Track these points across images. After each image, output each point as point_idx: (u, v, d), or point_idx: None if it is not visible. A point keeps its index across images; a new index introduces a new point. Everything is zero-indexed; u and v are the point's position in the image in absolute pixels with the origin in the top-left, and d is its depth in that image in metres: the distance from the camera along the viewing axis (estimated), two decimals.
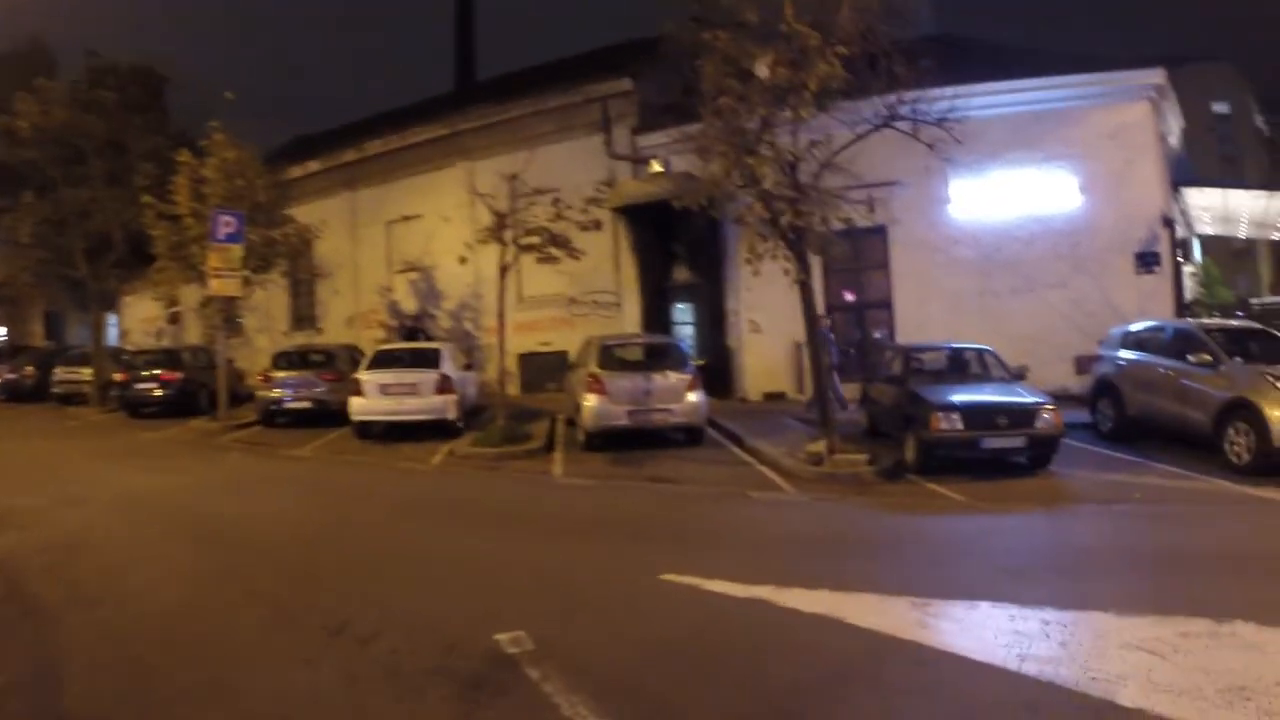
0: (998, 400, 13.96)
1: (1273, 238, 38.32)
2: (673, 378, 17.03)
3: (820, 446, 14.40)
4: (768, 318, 23.96)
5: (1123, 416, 16.51)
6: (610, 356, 17.58)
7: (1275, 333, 15.65)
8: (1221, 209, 30.48)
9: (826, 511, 12.05)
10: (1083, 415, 17.60)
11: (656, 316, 26.66)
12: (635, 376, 16.99)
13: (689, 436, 17.53)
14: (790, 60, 14.31)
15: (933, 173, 21.39)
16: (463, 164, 29.32)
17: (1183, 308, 22.95)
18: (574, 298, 27.43)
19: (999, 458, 13.69)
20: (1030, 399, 13.87)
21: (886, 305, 23.85)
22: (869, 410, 17.53)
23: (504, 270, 18.80)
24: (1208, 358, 14.44)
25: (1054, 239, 22.35)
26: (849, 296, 24.42)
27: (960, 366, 16.65)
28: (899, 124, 15.24)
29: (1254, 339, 15.48)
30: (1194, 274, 31.88)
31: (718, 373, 24.37)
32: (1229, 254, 47.54)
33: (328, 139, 38.77)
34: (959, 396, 13.90)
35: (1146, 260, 21.68)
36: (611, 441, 16.81)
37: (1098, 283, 21.88)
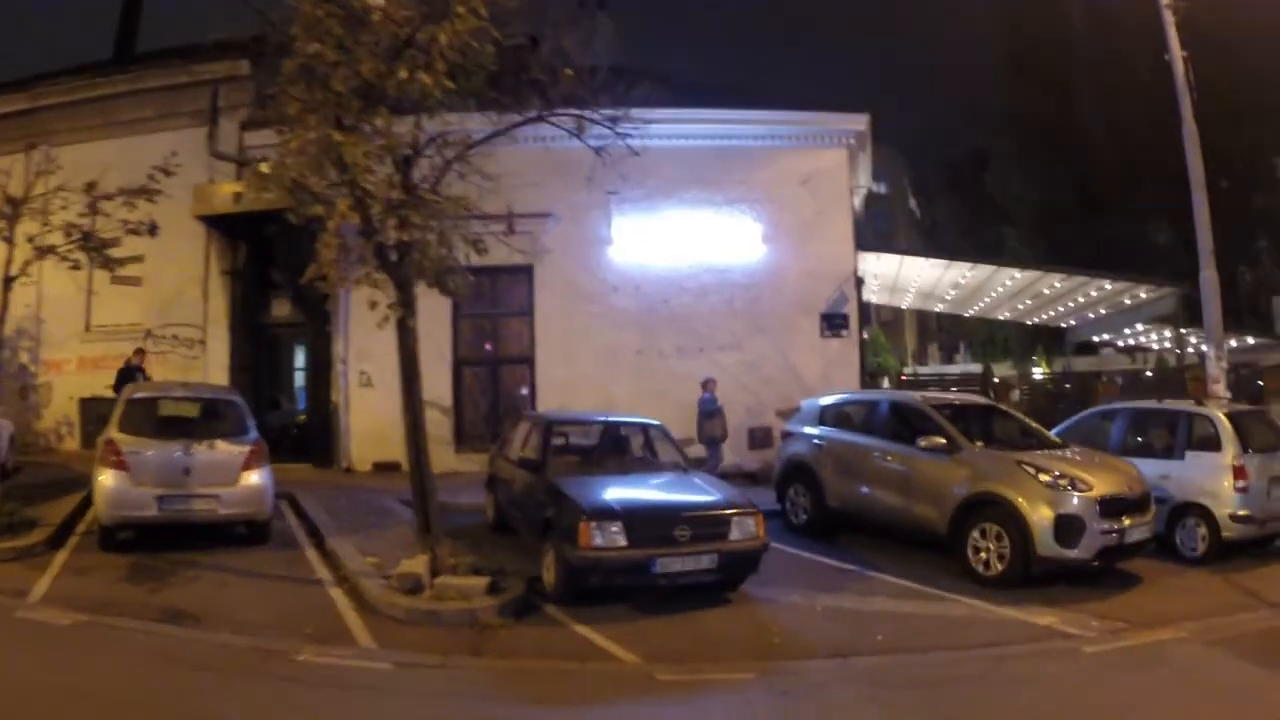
0: (677, 502, 10.10)
1: (936, 309, 37.85)
2: (223, 451, 11.94)
3: (420, 564, 9.81)
4: (382, 370, 19.07)
5: (821, 508, 13.15)
6: (140, 415, 12.21)
7: (1012, 411, 12.60)
8: (893, 278, 29.00)
9: (408, 705, 7.27)
10: (762, 498, 13.94)
11: (251, 360, 21.20)
12: (171, 447, 11.73)
13: (251, 530, 12.38)
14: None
15: (593, 206, 18.55)
16: (42, 149, 22.40)
17: (868, 375, 20.12)
18: (151, 330, 21.27)
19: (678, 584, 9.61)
20: (720, 499, 10.08)
21: (527, 361, 19.64)
22: (496, 496, 13.06)
23: (8, 280, 13.39)
24: (940, 441, 11.28)
25: (730, 292, 19.17)
26: (488, 347, 20.01)
27: (620, 448, 12.52)
28: (558, 120, 11.94)
29: (989, 418, 12.65)
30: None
31: (319, 435, 19.91)
32: (879, 324, 47.51)
33: None
34: (620, 496, 9.84)
35: (834, 322, 18.82)
36: (145, 536, 11.66)
37: (778, 345, 18.91)
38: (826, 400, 13.97)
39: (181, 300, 20.56)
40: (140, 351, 18.41)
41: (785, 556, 11.85)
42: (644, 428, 12.28)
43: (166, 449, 11.68)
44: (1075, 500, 10.09)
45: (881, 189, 66.49)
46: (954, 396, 14.80)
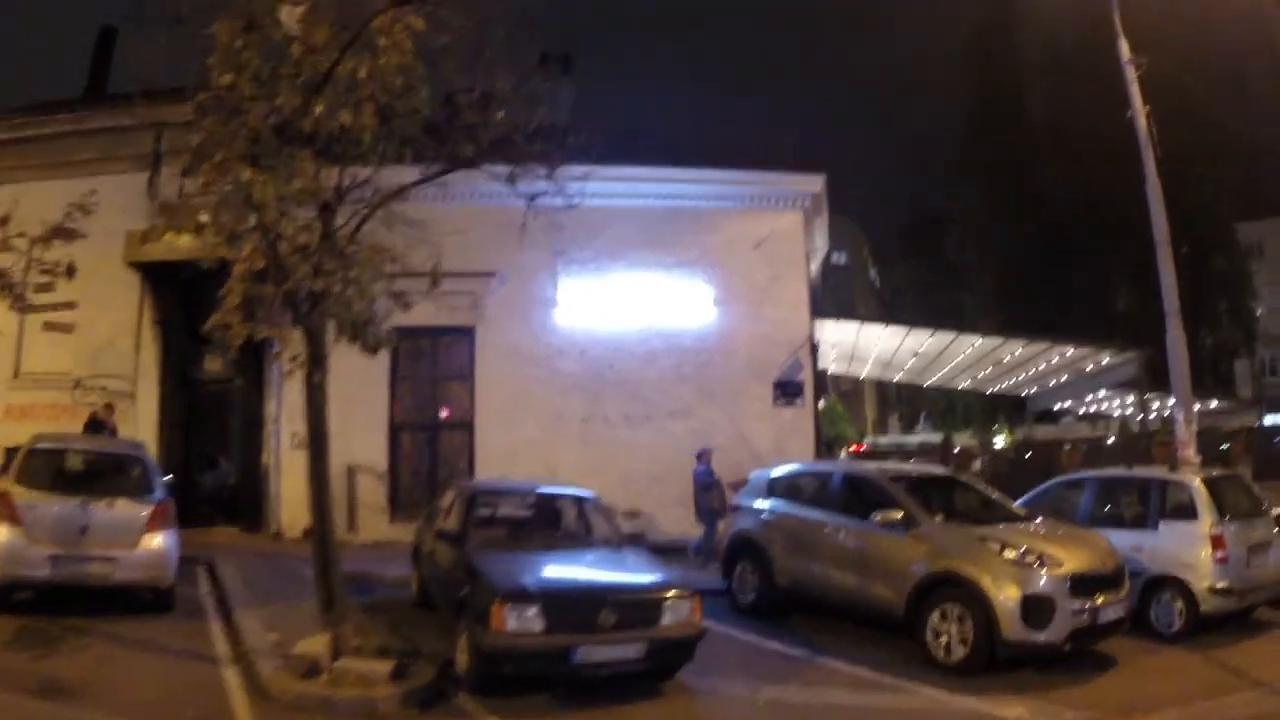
0: (603, 583, 9.08)
1: (895, 378, 37.22)
2: (124, 510, 10.92)
3: (320, 644, 8.77)
4: None
5: (769, 586, 12.15)
6: (39, 466, 11.22)
7: (974, 482, 11.81)
8: (850, 346, 28.33)
9: None
10: (710, 576, 13.41)
11: (182, 416, 20.22)
12: (69, 503, 10.74)
13: (155, 597, 11.29)
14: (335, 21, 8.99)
15: (539, 267, 17.87)
16: None
17: (823, 446, 19.31)
18: (81, 380, 19.98)
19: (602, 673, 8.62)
20: (652, 580, 9.09)
21: (467, 427, 18.57)
22: (420, 570, 12.05)
23: None
24: (897, 515, 10.38)
25: (680, 358, 18.38)
26: (444, 413, 19.08)
27: (550, 521, 11.48)
28: (492, 171, 10.83)
29: (949, 490, 11.79)
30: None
31: (249, 497, 18.90)
32: (838, 394, 46.89)
33: None
34: (541, 575, 8.87)
35: (788, 390, 18.03)
36: (43, 598, 10.82)
37: (728, 413, 18.08)
38: (776, 472, 13.10)
39: (113, 350, 19.31)
40: (110, 406, 17.11)
41: (729, 640, 10.94)
42: (577, 500, 11.31)
43: (63, 505, 10.75)
44: (1044, 578, 9.22)
45: (841, 259, 66.66)
46: (911, 468, 13.97)
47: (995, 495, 11.82)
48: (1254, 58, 40.82)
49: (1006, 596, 9.10)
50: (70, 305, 17.23)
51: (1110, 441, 35.66)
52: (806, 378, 18.20)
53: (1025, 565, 9.31)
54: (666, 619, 8.49)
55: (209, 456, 21.09)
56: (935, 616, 9.57)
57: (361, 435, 17.94)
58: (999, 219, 46.52)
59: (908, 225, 63.43)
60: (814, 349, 18.43)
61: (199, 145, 9.08)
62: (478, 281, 18.18)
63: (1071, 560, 9.47)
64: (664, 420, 17.97)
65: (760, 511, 12.59)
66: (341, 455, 17.09)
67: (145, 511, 11.03)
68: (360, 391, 17.87)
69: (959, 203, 51.46)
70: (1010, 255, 45.87)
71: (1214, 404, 33.82)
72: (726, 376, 18.19)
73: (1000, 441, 44.21)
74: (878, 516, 10.37)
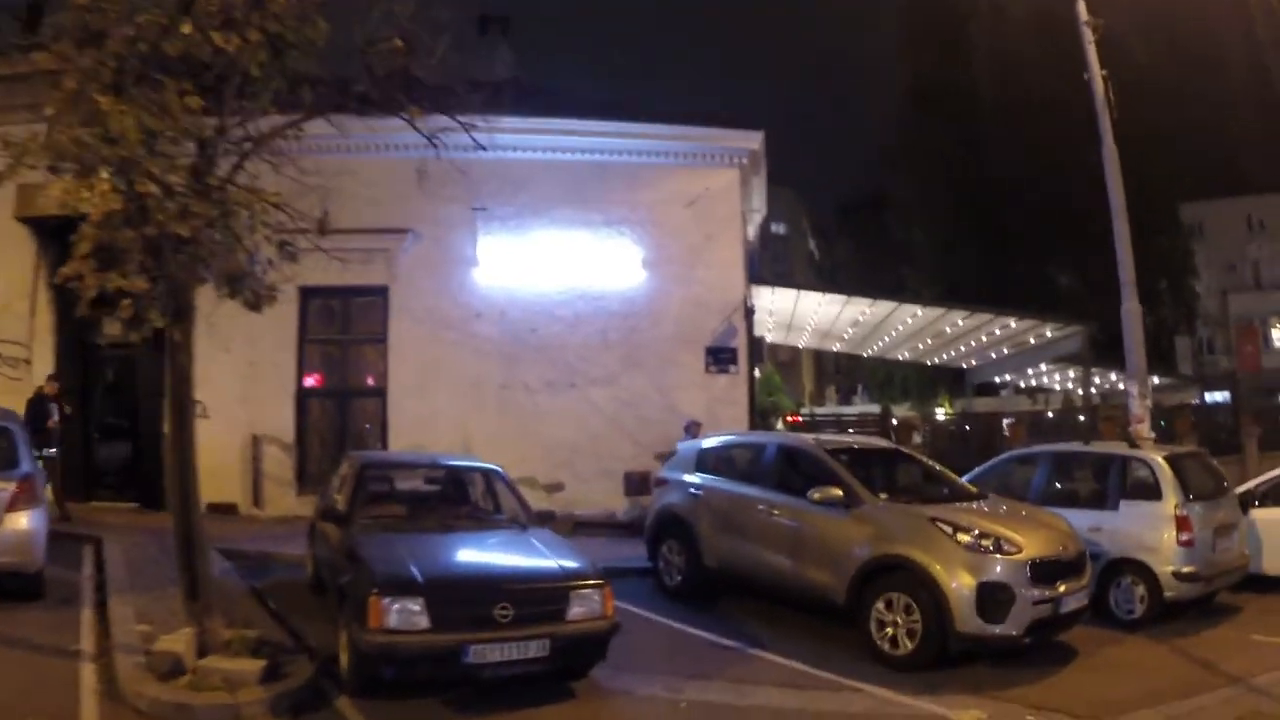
0: (501, 571, 7.92)
1: (834, 348, 36.31)
2: None
3: (183, 640, 7.55)
4: (221, 398, 16.75)
5: (697, 568, 11.14)
6: None
7: (920, 456, 10.84)
8: (789, 315, 27.36)
9: None
10: (636, 552, 12.43)
11: (81, 384, 18.44)
12: None
13: (23, 584, 9.92)
14: None
15: (457, 224, 16.86)
16: None
17: (758, 417, 18.26)
18: None
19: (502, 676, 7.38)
20: (558, 568, 7.84)
21: (379, 394, 17.32)
22: (314, 550, 10.73)
23: None
24: (837, 493, 9.34)
25: (605, 322, 17.23)
26: (370, 381, 17.71)
27: (451, 498, 10.28)
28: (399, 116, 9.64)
29: (893, 464, 10.84)
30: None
31: (152, 472, 16.88)
32: (775, 363, 45.97)
33: None
34: (430, 562, 7.56)
35: (720, 357, 16.91)
36: None
37: (656, 381, 17.01)
38: (706, 443, 12.07)
39: (8, 314, 17.85)
40: (53, 378, 15.67)
41: (653, 628, 9.95)
42: (483, 474, 10.17)
43: None
44: (1001, 565, 8.25)
45: (780, 229, 65.90)
46: (853, 440, 12.84)
47: (944, 471, 10.80)
48: (1196, 39, 40.63)
49: (960, 584, 8.11)
50: None
51: (1050, 415, 35.26)
52: (741, 344, 17.09)
53: (980, 550, 8.32)
54: (574, 612, 7.36)
55: (111, 427, 19.51)
56: (880, 605, 8.56)
57: (267, 402, 16.84)
58: (939, 196, 46.02)
59: (849, 201, 62.91)
60: (749, 314, 17.35)
61: (52, 73, 7.83)
62: (392, 239, 16.99)
63: (1031, 544, 8.49)
64: (588, 388, 16.84)
65: (688, 486, 11.53)
66: (245, 424, 16.30)
67: (7, 489, 9.69)
68: (266, 355, 16.72)
69: (899, 180, 50.92)
70: (950, 233, 45.44)
71: (1155, 380, 33.31)
72: (655, 342, 17.06)
73: (941, 414, 43.54)
74: (815, 494, 9.30)
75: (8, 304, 17.56)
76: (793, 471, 10.36)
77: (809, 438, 11.27)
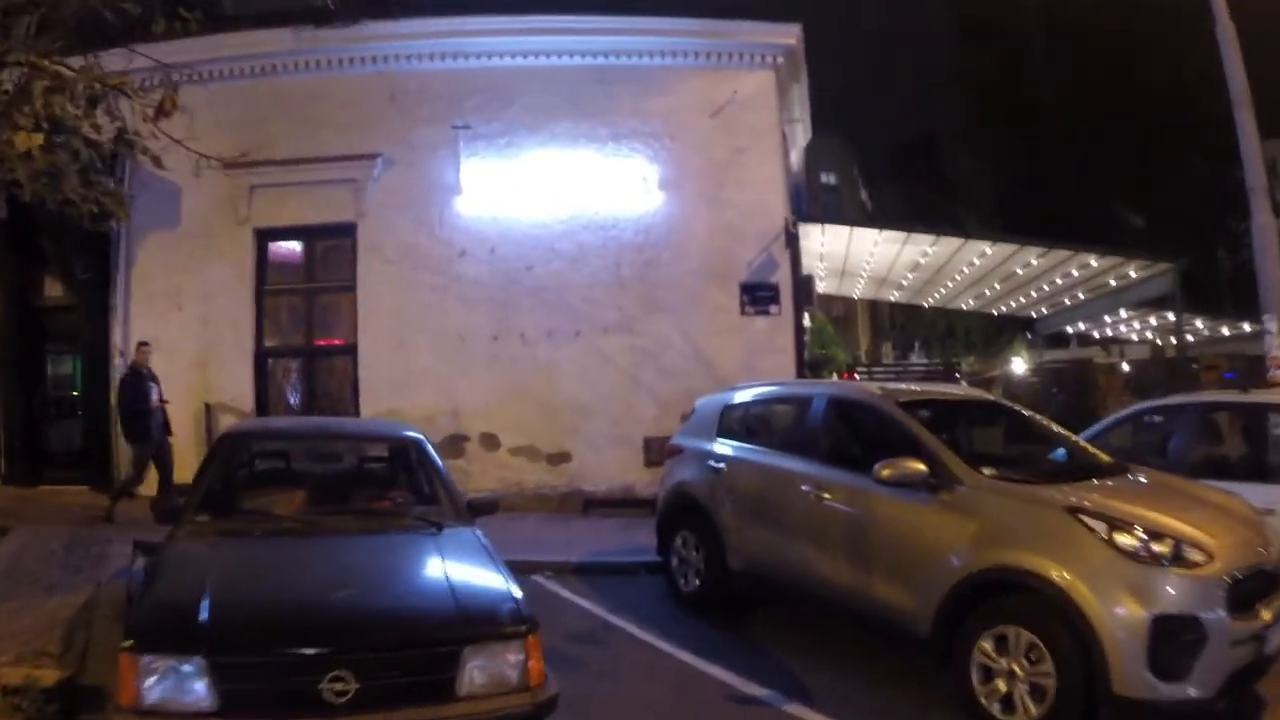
0: (343, 611, 4.59)
1: (891, 297, 32.88)
2: None
3: None
4: (171, 363, 14.30)
5: (719, 570, 8.18)
6: None
7: (1026, 411, 7.77)
8: (840, 260, 24.13)
9: None
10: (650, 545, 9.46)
11: (18, 354, 15.87)
12: None
13: None
14: None
15: (435, 146, 14.39)
16: None
17: (807, 371, 15.17)
18: None
19: None
20: (450, 603, 4.72)
21: (349, 351, 14.56)
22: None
23: None
24: (917, 468, 6.23)
25: (617, 256, 14.24)
26: (340, 338, 14.99)
27: (344, 483, 7.16)
28: None
29: (990, 424, 7.60)
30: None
31: (98, 450, 14.71)
32: (828, 315, 42.68)
33: None
34: (237, 592, 4.62)
35: (759, 296, 13.90)
36: None
37: (682, 326, 14.02)
38: (733, 398, 9.01)
39: None
40: (144, 346, 13.03)
41: (652, 660, 7.14)
42: (398, 446, 7.19)
43: None
44: (1186, 586, 5.12)
45: (831, 179, 62.54)
46: (935, 389, 9.37)
47: (1064, 433, 7.69)
48: None
49: (1123, 619, 5.04)
50: None
51: (1125, 368, 32.02)
52: (784, 280, 14.00)
53: (1151, 561, 5.19)
54: (472, 682, 4.33)
55: (58, 401, 16.82)
56: (986, 645, 5.53)
57: (223, 366, 14.44)
58: (994, 131, 42.67)
59: (899, 145, 59.33)
60: (793, 241, 14.22)
61: None
62: (358, 165, 14.36)
63: (1224, 549, 5.35)
64: (597, 336, 13.91)
65: (709, 457, 8.59)
66: (198, 390, 14.08)
67: None
68: (221, 311, 14.29)
69: (951, 118, 47.54)
70: (1008, 170, 42.09)
71: (1247, 329, 29.76)
72: (679, 279, 14.02)
73: (1019, 365, 39.56)
74: (885, 470, 6.21)
75: None
76: (851, 436, 7.46)
77: (872, 386, 8.05)
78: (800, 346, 14.24)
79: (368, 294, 14.31)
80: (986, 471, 6.15)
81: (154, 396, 12.38)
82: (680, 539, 8.69)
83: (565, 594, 9.21)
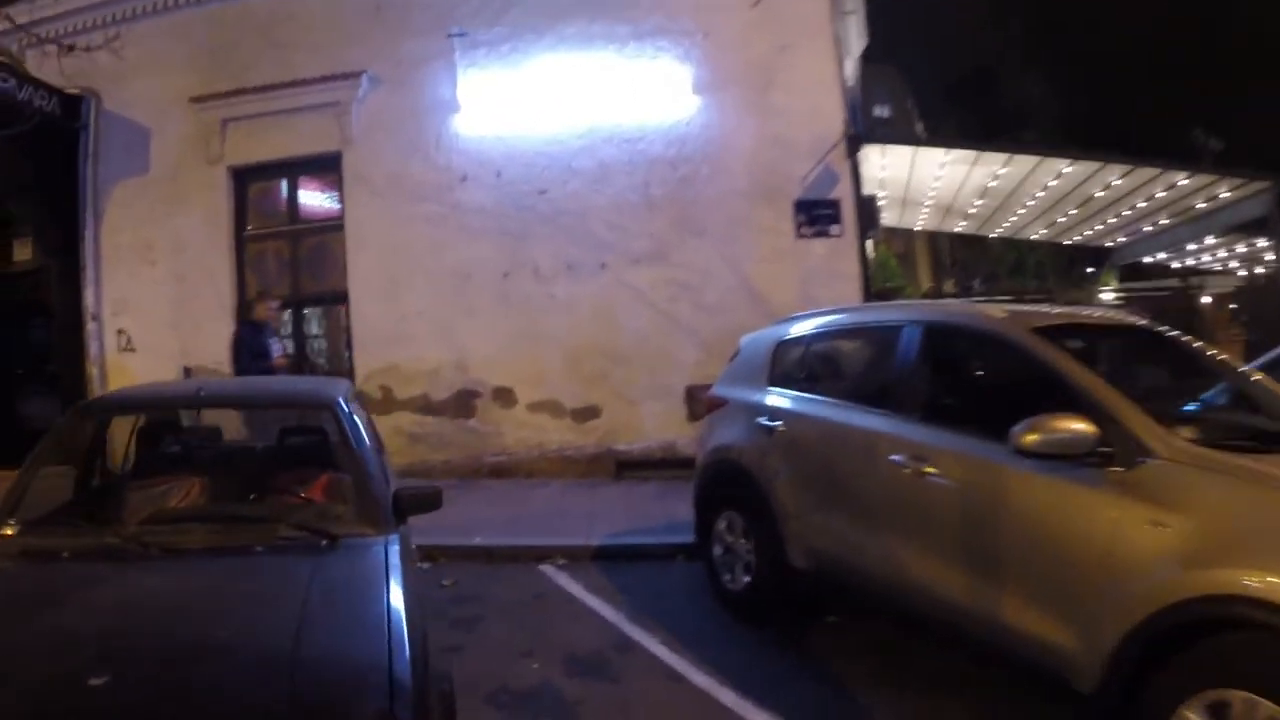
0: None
1: (957, 228, 30.30)
2: None
3: None
4: (147, 327, 13.09)
5: (775, 565, 6.05)
6: None
7: (1195, 343, 5.47)
8: (902, 187, 21.82)
9: None
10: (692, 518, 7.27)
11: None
12: None
13: None
14: None
15: (428, 58, 12.31)
16: None
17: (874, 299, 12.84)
18: None
19: None
20: (285, 681, 2.59)
21: (340, 297, 12.61)
22: None
23: None
24: (1083, 430, 3.93)
25: (646, 173, 11.97)
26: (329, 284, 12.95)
27: (226, 470, 5.00)
28: None
29: (1159, 364, 5.34)
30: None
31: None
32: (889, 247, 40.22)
33: None
34: None
35: (817, 215, 11.65)
36: None
37: (725, 252, 11.77)
38: (789, 331, 6.82)
39: None
40: (266, 296, 11.18)
41: (684, 702, 5.01)
42: (311, 415, 5.18)
43: None
44: None
45: (885, 113, 59.57)
46: (1083, 312, 6.27)
47: (1252, 373, 5.46)
48: None
49: None
50: None
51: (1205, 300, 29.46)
52: (844, 195, 11.73)
53: None
54: None
55: (36, 374, 15.01)
56: (1195, 716, 3.40)
57: (201, 324, 12.71)
58: (1059, 54, 40.01)
59: (956, 75, 56.27)
60: (855, 146, 11.90)
61: None
62: (341, 86, 12.41)
63: None
64: (625, 269, 11.75)
65: (759, 412, 6.44)
66: (175, 354, 12.68)
67: None
68: (197, 263, 12.64)
69: (1011, 44, 44.82)
70: (1077, 93, 39.52)
71: None
72: (720, 198, 11.73)
73: (1108, 296, 36.51)
74: (1029, 433, 3.95)
75: None
76: (964, 382, 5.34)
77: (992, 309, 5.35)
78: (866, 274, 11.99)
79: (357, 232, 12.36)
80: (1184, 434, 3.95)
81: (274, 353, 10.43)
82: (724, 521, 6.61)
83: (576, 591, 7.19)
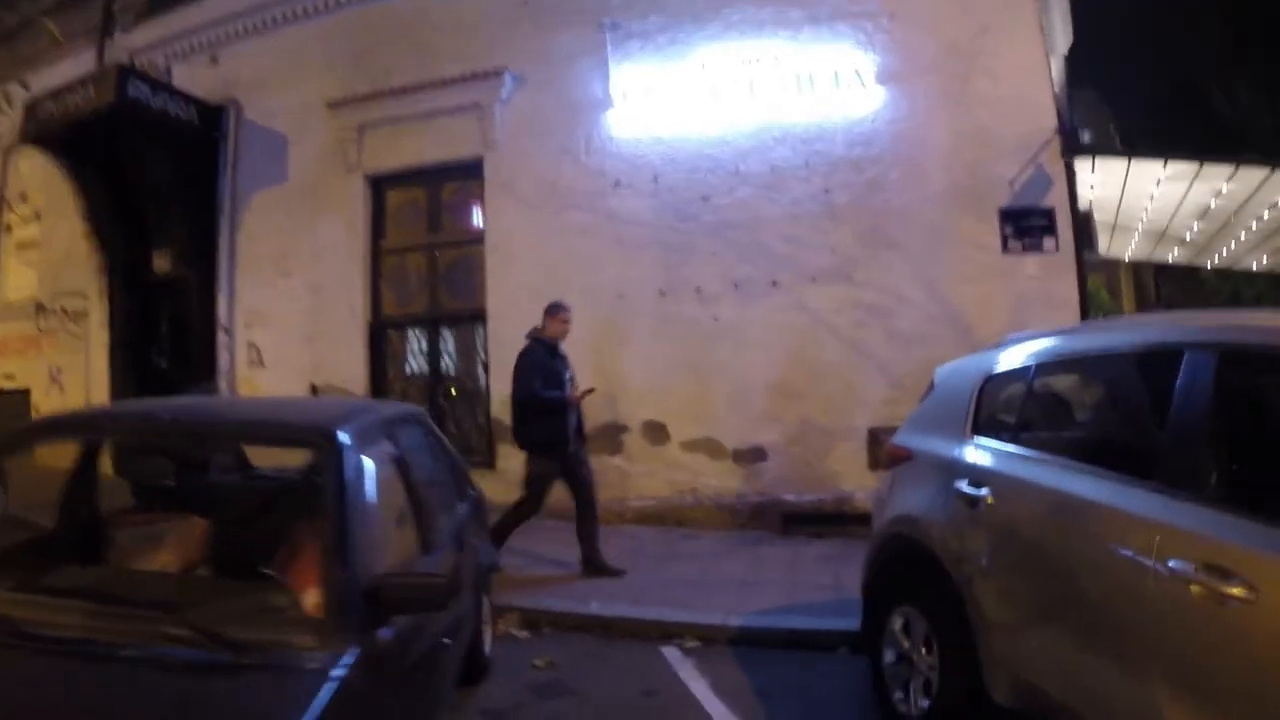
0: None
1: (1170, 257, 26.88)
2: None
3: None
4: (280, 341, 12.60)
5: (967, 693, 4.23)
6: None
7: None
8: (1112, 209, 19.38)
9: None
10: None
11: (135, 333, 14.20)
12: None
13: None
14: None
15: (577, 53, 11.19)
16: None
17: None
18: (43, 303, 15.18)
19: None
20: None
21: (478, 317, 11.62)
22: None
23: None
24: None
25: (826, 177, 10.33)
26: (467, 301, 11.84)
27: (215, 524, 3.86)
28: None
29: None
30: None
31: None
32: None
33: None
34: None
35: (1027, 225, 9.78)
36: None
37: (920, 270, 10.01)
38: (999, 360, 5.00)
39: (69, 261, 14.54)
40: (558, 310, 8.50)
41: None
42: (303, 451, 3.82)
43: None
44: None
45: (1086, 138, 56.30)
46: None
47: None
48: None
49: None
50: (37, 216, 14.86)
51: None
52: (1061, 203, 9.81)
53: None
54: None
55: (173, 387, 14.62)
56: None
57: (335, 339, 12.03)
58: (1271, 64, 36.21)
59: (1166, 87, 52.54)
60: (1071, 145, 9.97)
61: None
62: (482, 86, 11.43)
63: None
64: (802, 288, 10.13)
65: (957, 472, 4.70)
66: (305, 370, 12.36)
67: None
68: (332, 276, 11.96)
69: (1220, 58, 41.13)
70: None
71: None
72: (914, 206, 10.00)
73: None
74: None
75: (70, 250, 14.26)
76: None
77: None
78: (1084, 302, 10.01)
79: (498, 243, 11.30)
80: None
81: (569, 382, 8.35)
82: (900, 620, 4.89)
83: (699, 690, 5.61)
